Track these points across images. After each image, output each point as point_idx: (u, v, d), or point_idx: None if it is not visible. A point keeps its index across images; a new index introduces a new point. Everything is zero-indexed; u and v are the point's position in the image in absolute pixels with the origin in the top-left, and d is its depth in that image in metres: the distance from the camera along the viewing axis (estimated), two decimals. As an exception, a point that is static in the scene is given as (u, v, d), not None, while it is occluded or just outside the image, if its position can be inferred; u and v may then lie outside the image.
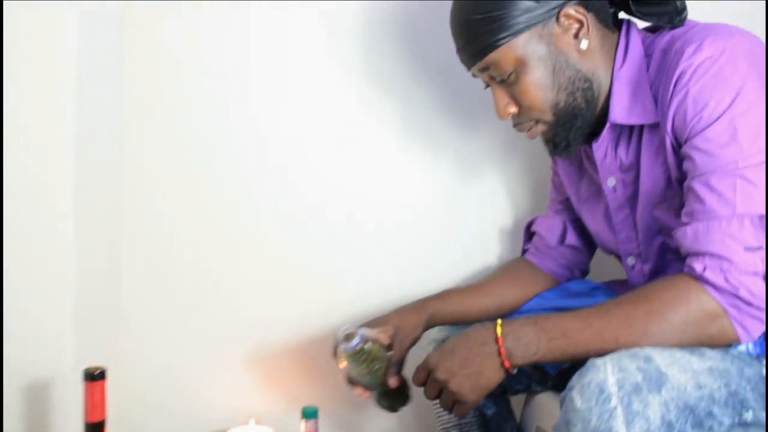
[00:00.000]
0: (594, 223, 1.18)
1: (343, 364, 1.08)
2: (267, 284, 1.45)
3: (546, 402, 1.20)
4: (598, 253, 1.27)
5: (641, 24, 1.06)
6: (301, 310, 1.45)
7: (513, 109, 1.05)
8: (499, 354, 0.94)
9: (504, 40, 0.99)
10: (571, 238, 1.27)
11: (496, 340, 0.94)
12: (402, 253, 1.47)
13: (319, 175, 1.44)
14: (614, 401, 0.80)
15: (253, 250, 1.44)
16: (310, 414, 1.22)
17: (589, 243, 1.28)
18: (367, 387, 1.12)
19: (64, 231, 1.09)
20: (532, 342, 0.93)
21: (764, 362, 0.89)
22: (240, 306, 1.44)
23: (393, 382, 1.11)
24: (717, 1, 1.29)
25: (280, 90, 1.42)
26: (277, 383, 1.45)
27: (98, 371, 0.96)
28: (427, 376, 1.01)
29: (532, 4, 0.98)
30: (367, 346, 1.08)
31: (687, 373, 0.84)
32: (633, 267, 1.10)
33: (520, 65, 1.01)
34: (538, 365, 1.17)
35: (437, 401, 1.27)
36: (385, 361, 1.10)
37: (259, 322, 1.45)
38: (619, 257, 1.16)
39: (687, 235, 0.91)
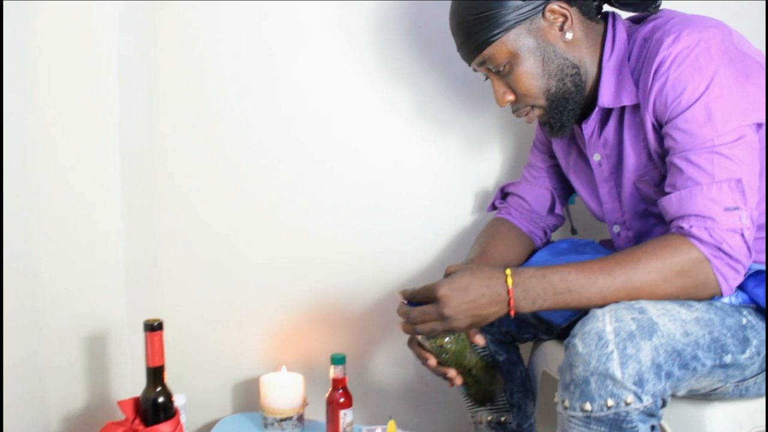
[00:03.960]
0: (584, 193, 1.29)
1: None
2: (293, 240, 1.57)
3: (551, 349, 1.31)
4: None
5: (624, 14, 1.16)
6: (326, 264, 1.58)
7: (510, 97, 1.16)
8: (508, 304, 1.02)
9: (496, 37, 1.11)
10: (558, 208, 1.39)
11: (507, 291, 1.01)
12: (413, 215, 1.59)
13: (340, 149, 1.56)
14: (611, 346, 0.92)
15: (280, 210, 1.56)
16: (338, 360, 1.34)
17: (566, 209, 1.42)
18: (454, 361, 1.13)
19: (113, 206, 1.20)
20: (539, 295, 1.01)
21: (744, 312, 1.01)
22: (270, 262, 1.56)
23: (479, 339, 1.14)
24: (717, 1, 1.36)
25: (303, 76, 1.52)
26: (306, 333, 1.58)
27: (157, 322, 1.08)
28: (428, 299, 1.04)
29: (519, 3, 1.09)
30: None
31: (676, 322, 0.95)
32: (619, 234, 1.22)
33: (513, 57, 1.12)
34: (544, 318, 1.31)
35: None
36: None
37: (288, 277, 1.57)
38: (604, 221, 1.28)
39: (672, 202, 1.02)
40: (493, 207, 1.48)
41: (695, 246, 0.98)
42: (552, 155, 1.37)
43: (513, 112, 1.19)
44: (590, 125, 1.18)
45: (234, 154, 1.53)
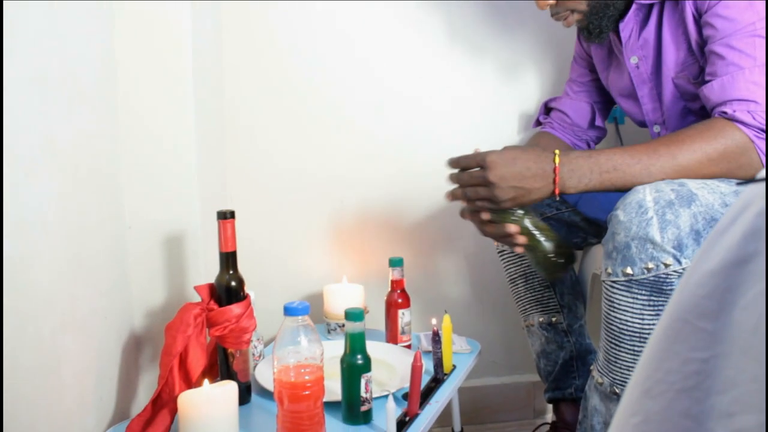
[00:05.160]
0: (623, 101, 1.33)
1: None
2: (354, 159, 1.66)
3: (600, 252, 1.36)
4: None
5: None
6: (384, 181, 1.67)
7: (551, 0, 1.18)
8: (554, 182, 1.06)
9: None
10: (599, 121, 1.43)
11: (554, 169, 1.05)
12: (464, 135, 1.68)
13: (399, 72, 1.66)
14: (650, 213, 0.97)
15: (342, 131, 1.65)
16: (396, 262, 1.41)
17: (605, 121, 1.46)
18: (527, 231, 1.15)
19: (187, 123, 1.30)
20: (585, 174, 1.05)
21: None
22: (333, 179, 1.66)
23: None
24: None
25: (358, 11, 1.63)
26: (364, 245, 1.67)
27: (229, 212, 1.18)
28: (477, 164, 1.09)
29: None
30: None
31: (715, 194, 1.00)
32: (659, 134, 1.26)
33: None
34: (593, 221, 1.35)
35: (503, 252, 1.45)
36: None
37: (349, 194, 1.66)
38: (645, 126, 1.31)
39: (714, 89, 1.05)
40: (538, 123, 1.53)
41: (739, 129, 1.01)
42: (592, 69, 1.41)
43: (552, 15, 1.23)
44: (628, 26, 1.20)
45: (298, 77, 1.63)
